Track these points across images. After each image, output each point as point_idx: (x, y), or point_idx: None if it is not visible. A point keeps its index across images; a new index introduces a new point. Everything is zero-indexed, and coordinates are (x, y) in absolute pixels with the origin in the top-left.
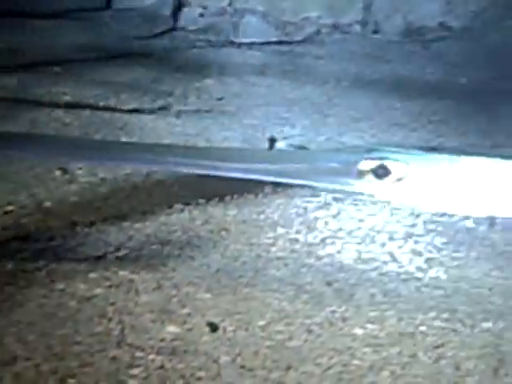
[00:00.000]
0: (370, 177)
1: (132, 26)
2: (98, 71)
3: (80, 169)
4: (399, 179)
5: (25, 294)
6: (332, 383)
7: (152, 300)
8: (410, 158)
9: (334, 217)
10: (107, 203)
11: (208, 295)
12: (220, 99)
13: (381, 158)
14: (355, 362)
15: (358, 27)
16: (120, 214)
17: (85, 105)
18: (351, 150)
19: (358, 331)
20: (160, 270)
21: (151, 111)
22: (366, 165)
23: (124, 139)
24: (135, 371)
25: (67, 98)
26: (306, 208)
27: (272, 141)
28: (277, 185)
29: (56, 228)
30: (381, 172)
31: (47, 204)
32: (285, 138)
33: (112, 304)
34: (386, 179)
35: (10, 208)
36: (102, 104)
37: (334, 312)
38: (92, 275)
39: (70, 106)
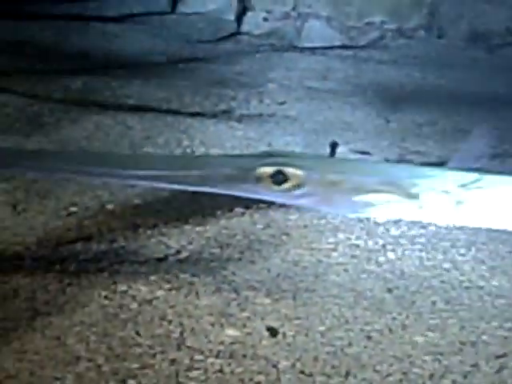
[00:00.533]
0: (269, 182)
1: (196, 30)
2: (162, 75)
3: None
4: (297, 185)
5: (87, 294)
6: None
7: (212, 303)
8: (308, 163)
9: (395, 223)
10: (169, 206)
11: (268, 300)
12: (282, 103)
13: (278, 164)
14: (415, 369)
15: (422, 32)
16: (181, 217)
17: (148, 108)
18: (248, 155)
19: (419, 339)
20: (220, 274)
21: (213, 115)
22: (264, 171)
23: (186, 142)
24: (194, 374)
25: (131, 101)
26: None
27: (333, 146)
28: None
29: (118, 230)
30: (279, 178)
31: (110, 206)
32: (346, 143)
33: (172, 307)
34: (285, 185)
35: (74, 209)
36: (165, 107)
37: (394, 319)
38: (153, 277)
39: (133, 108)
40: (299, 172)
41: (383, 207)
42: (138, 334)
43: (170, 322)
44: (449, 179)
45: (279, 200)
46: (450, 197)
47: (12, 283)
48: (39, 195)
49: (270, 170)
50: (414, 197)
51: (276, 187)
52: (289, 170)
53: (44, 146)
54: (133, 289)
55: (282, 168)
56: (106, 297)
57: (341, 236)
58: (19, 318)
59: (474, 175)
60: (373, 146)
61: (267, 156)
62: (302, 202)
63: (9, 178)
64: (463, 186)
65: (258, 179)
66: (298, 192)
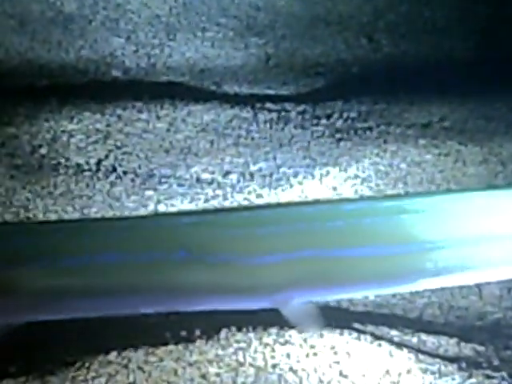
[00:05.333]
0: None
1: None
2: None
3: (385, 38)
4: None
5: (360, 150)
6: None
7: (479, 173)
8: None
9: None
10: None
11: None
12: None
13: None
14: None
15: None
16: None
17: None
18: None
19: None
20: (486, 145)
21: None
22: None
23: None
24: None
25: None
26: None
27: None
28: None
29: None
30: None
31: None
32: None
33: (441, 171)
34: None
35: None
36: None
37: None
38: (422, 141)
39: None
40: None
41: None
42: (406, 192)
43: (438, 185)
44: None
45: None
46: None
47: (286, 132)
48: None
49: None
50: None
51: None
52: None
53: None
54: (402, 150)
55: None
56: (377, 154)
57: None
58: (298, 165)
59: None
60: None
61: None
62: None
63: None
64: None
65: None
66: None
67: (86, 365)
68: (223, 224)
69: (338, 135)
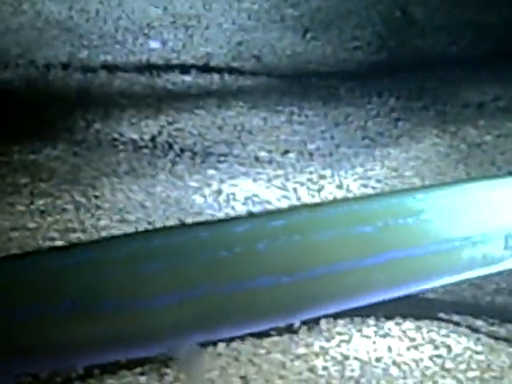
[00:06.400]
0: None
1: None
2: None
3: (419, 11)
4: None
5: (419, 131)
6: None
7: None
8: None
9: None
10: None
11: None
12: None
13: None
14: None
15: None
16: None
17: None
18: None
19: None
20: None
21: None
22: None
23: None
24: None
25: None
26: None
27: None
28: None
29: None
30: None
31: None
32: None
33: (501, 153)
34: None
35: (358, 44)
36: None
37: None
38: (481, 122)
39: None
40: None
41: None
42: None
43: (498, 168)
44: None
45: None
46: None
47: (340, 110)
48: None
49: None
50: None
51: None
52: None
53: None
54: (462, 130)
55: None
56: (436, 135)
57: None
58: (357, 145)
59: None
60: None
61: None
62: None
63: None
64: None
65: None
66: None
67: None
68: (106, 262)
69: (394, 115)
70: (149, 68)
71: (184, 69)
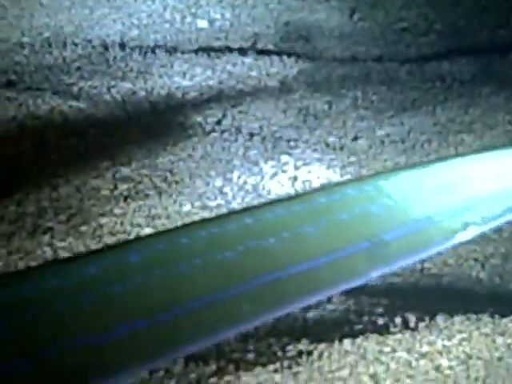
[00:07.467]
0: None
1: None
2: None
3: None
4: None
5: (491, 117)
6: None
7: None
8: None
9: None
10: None
11: None
12: None
13: None
14: None
15: None
16: None
17: None
18: None
19: None
20: None
21: None
22: None
23: None
24: None
25: None
26: None
27: None
28: None
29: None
30: None
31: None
32: None
33: None
34: None
35: (404, 25)
36: None
37: None
38: None
39: None
40: None
41: None
42: None
43: None
44: None
45: None
46: None
47: (405, 94)
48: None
49: None
50: None
51: None
52: None
53: None
54: None
55: None
56: (509, 122)
57: None
58: (429, 131)
59: None
60: None
61: None
62: None
63: None
64: None
65: None
66: None
67: (326, 354)
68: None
69: (462, 100)
70: (205, 49)
71: (242, 51)
